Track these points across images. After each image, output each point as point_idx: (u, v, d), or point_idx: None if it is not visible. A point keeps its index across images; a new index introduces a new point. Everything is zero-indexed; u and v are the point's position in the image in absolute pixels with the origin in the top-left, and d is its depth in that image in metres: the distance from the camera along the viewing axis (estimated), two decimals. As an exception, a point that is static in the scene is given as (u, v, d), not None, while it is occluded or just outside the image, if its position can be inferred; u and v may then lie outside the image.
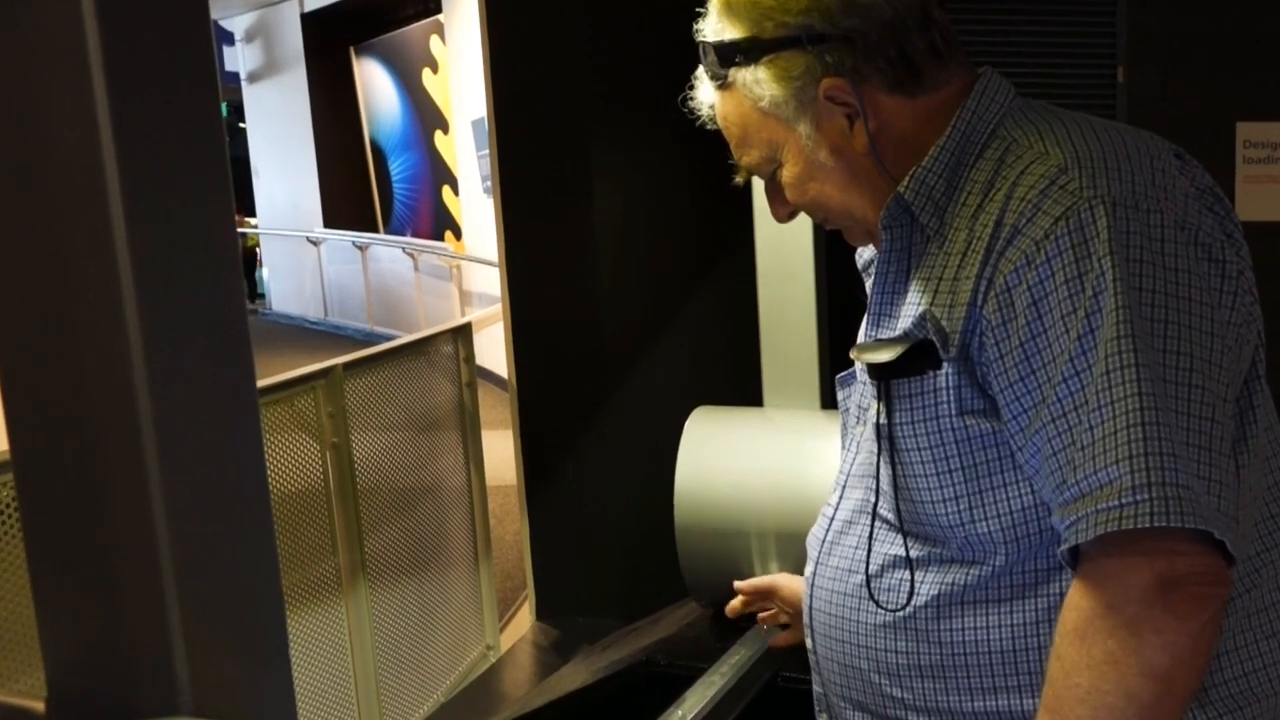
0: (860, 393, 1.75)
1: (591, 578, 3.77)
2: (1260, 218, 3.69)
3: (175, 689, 0.95)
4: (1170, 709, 1.37)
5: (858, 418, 1.77)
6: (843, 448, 1.85)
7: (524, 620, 4.05)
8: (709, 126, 1.75)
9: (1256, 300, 1.51)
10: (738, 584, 2.60)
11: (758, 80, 1.61)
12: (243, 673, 1.02)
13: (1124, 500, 1.33)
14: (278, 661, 1.06)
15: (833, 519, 1.77)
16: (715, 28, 1.65)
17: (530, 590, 3.85)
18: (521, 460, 3.88)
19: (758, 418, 3.19)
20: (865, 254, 1.87)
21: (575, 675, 2.83)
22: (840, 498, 1.77)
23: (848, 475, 1.77)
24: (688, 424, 3.14)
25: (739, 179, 1.79)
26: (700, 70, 1.72)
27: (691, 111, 1.76)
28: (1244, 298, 1.48)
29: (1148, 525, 1.32)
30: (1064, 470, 1.40)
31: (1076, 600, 1.40)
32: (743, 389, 3.35)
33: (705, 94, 1.73)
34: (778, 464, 2.96)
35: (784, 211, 1.75)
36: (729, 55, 1.63)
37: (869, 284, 1.84)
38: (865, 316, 1.74)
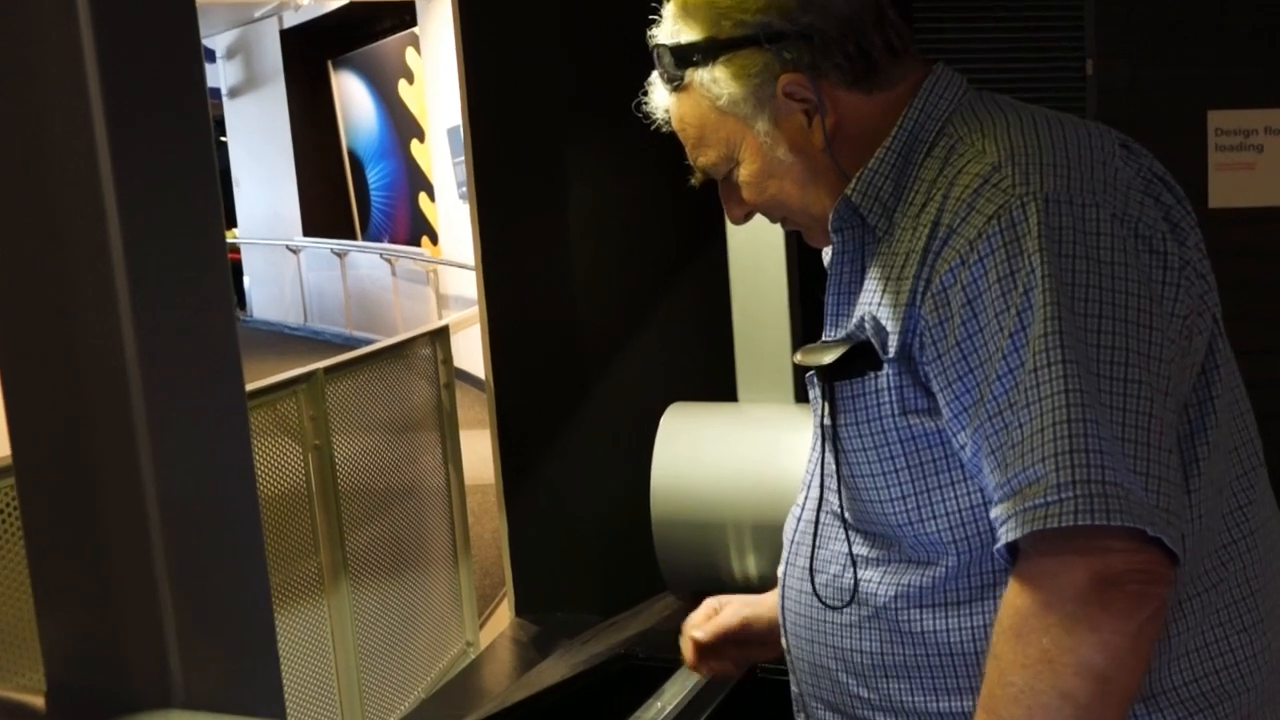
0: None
1: (570, 573, 3.81)
2: (1232, 204, 3.71)
3: (169, 683, 0.97)
4: (1108, 709, 1.35)
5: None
6: (812, 447, 1.81)
7: (503, 616, 4.07)
8: (665, 130, 1.72)
9: (1211, 288, 1.49)
10: (694, 636, 1.97)
11: (715, 79, 1.59)
12: (234, 667, 1.04)
13: (1049, 498, 1.32)
14: (267, 656, 1.08)
15: (800, 518, 1.75)
16: (671, 30, 1.63)
17: (509, 587, 3.88)
18: (499, 459, 3.91)
19: (732, 412, 3.23)
20: (830, 253, 1.83)
21: (554, 670, 2.85)
22: (805, 496, 1.75)
23: (811, 475, 1.74)
24: (663, 419, 3.18)
25: (695, 180, 1.74)
26: (654, 75, 1.69)
27: (647, 116, 1.73)
28: (1191, 287, 1.45)
29: (1073, 523, 1.30)
30: (999, 468, 1.38)
31: (1011, 599, 1.39)
32: (717, 385, 3.39)
33: (660, 98, 1.70)
34: (752, 457, 3.00)
35: (740, 213, 1.72)
36: (686, 56, 1.61)
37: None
38: (824, 318, 1.72)
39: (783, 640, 1.77)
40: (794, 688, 1.79)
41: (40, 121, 0.91)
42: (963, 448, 1.46)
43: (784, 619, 1.76)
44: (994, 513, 1.39)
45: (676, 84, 1.64)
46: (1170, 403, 1.39)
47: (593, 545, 3.78)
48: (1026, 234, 1.38)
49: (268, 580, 1.10)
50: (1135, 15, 3.81)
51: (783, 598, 1.76)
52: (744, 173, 1.64)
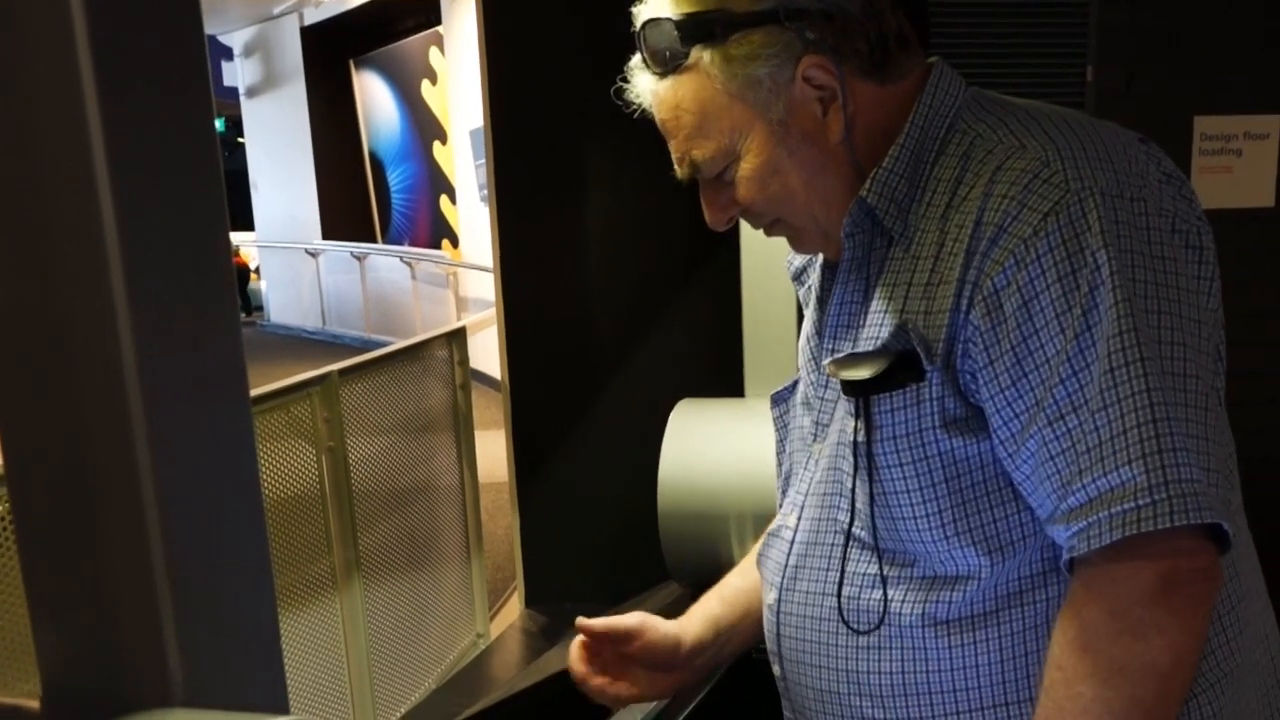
0: (818, 409, 1.62)
1: (578, 565, 3.83)
2: (1214, 205, 3.77)
3: (168, 681, 0.96)
4: (1169, 708, 1.34)
5: (814, 435, 1.63)
6: (778, 465, 1.75)
7: (513, 608, 4.09)
8: (649, 117, 1.57)
9: (1219, 281, 1.46)
10: (581, 622, 1.79)
11: (729, 59, 1.45)
12: (235, 664, 1.03)
13: (1140, 501, 1.28)
14: (270, 652, 1.08)
15: (793, 542, 1.64)
16: (669, 4, 1.49)
17: (520, 579, 3.91)
18: (513, 457, 3.94)
19: (738, 408, 3.27)
20: (796, 261, 1.78)
21: (561, 657, 2.88)
22: (799, 519, 1.64)
23: (806, 495, 1.63)
24: (672, 415, 3.23)
25: (681, 176, 1.59)
26: (636, 59, 1.55)
27: (626, 105, 1.58)
28: (1216, 282, 1.43)
29: (1168, 525, 1.27)
30: (1066, 474, 1.34)
31: (1077, 609, 1.35)
32: (726, 383, 3.43)
33: (646, 83, 1.55)
34: (755, 450, 3.03)
35: (725, 216, 1.59)
36: (695, 32, 1.47)
37: (801, 293, 1.79)
38: (814, 328, 1.66)
39: (775, 669, 1.70)
40: (788, 714, 1.73)
41: (30, 117, 0.90)
42: (1011, 455, 1.41)
43: (778, 647, 1.68)
44: (1064, 521, 1.35)
45: (677, 64, 1.49)
46: (1215, 395, 1.38)
47: (601, 538, 3.81)
48: (1087, 230, 1.33)
49: (270, 574, 1.08)
50: (1137, 22, 3.85)
51: (777, 625, 1.67)
52: (746, 167, 1.51)
